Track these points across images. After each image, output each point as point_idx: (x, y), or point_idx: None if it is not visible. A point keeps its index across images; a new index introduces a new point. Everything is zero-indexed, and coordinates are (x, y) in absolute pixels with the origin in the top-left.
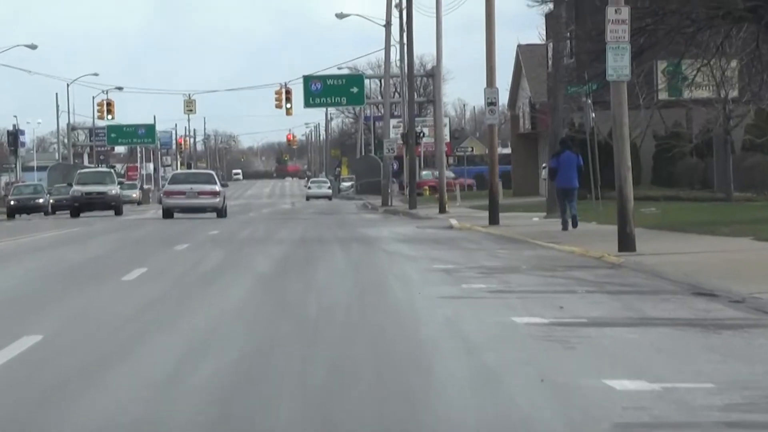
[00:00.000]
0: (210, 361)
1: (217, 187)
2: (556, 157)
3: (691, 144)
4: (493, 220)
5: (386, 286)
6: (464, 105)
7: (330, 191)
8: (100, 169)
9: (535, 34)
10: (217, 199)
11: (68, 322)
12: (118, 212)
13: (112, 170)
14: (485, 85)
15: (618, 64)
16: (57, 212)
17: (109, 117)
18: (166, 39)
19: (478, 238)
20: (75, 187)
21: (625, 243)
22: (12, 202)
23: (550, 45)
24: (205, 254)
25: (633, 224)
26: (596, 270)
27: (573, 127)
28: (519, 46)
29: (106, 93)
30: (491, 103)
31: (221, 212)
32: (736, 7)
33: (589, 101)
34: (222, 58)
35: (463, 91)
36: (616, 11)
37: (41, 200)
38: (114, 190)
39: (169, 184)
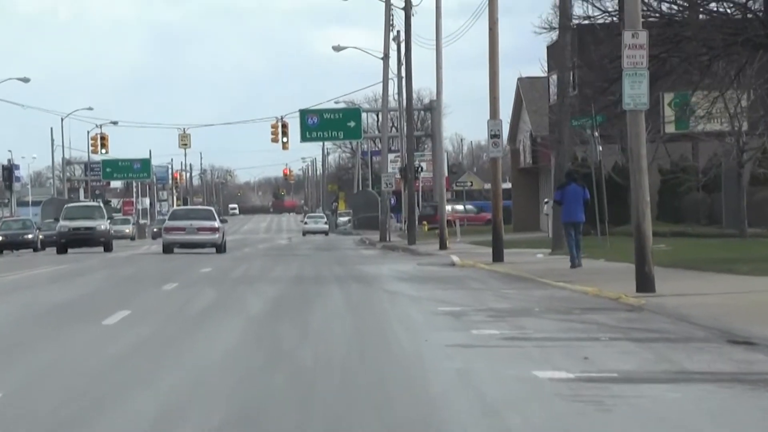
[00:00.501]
0: (187, 429)
1: (216, 223)
2: (561, 189)
3: (705, 178)
4: (497, 256)
5: (389, 331)
6: (461, 140)
7: (326, 226)
8: (88, 203)
9: (533, 70)
10: (217, 235)
11: (33, 377)
12: (108, 248)
13: (101, 204)
14: (488, 117)
15: (635, 92)
16: (47, 248)
17: (103, 151)
18: (162, 74)
19: (483, 276)
20: (62, 223)
21: (644, 283)
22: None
23: (553, 77)
24: (194, 294)
25: (652, 263)
26: (615, 313)
27: (576, 160)
28: (519, 79)
29: (100, 127)
30: (495, 136)
31: (220, 248)
32: (756, 33)
33: (596, 134)
34: (218, 92)
35: (460, 126)
36: (633, 35)
37: (30, 236)
38: (103, 225)
39: (168, 220)
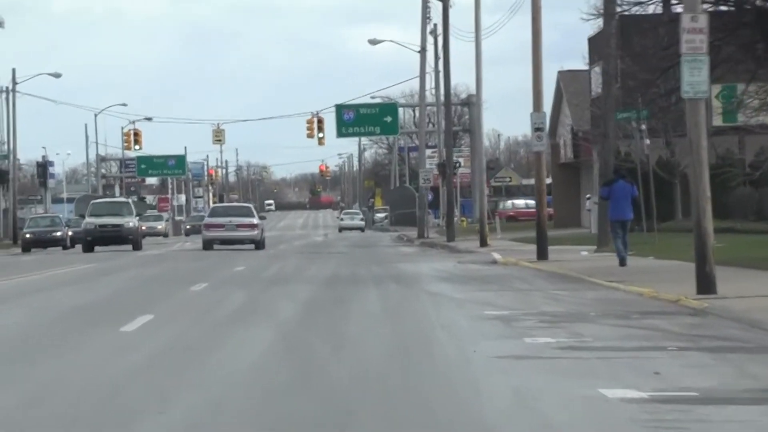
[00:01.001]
0: None
1: (255, 220)
2: (609, 186)
3: (758, 172)
4: (542, 254)
5: (433, 340)
6: (498, 135)
7: (363, 223)
8: (116, 199)
9: (572, 64)
10: (255, 232)
11: (30, 396)
12: (136, 246)
13: (129, 200)
14: (530, 111)
15: (695, 79)
16: (78, 246)
17: (137, 147)
18: (196, 70)
19: (528, 275)
20: (88, 220)
21: (705, 284)
22: (27, 236)
23: (595, 69)
24: (223, 297)
25: (713, 263)
26: (678, 318)
27: (619, 155)
28: (560, 72)
29: (134, 123)
30: (538, 129)
31: (259, 244)
32: None
33: (643, 127)
34: (252, 89)
35: (496, 122)
36: (692, 19)
37: (59, 233)
38: (131, 222)
39: (208, 217)
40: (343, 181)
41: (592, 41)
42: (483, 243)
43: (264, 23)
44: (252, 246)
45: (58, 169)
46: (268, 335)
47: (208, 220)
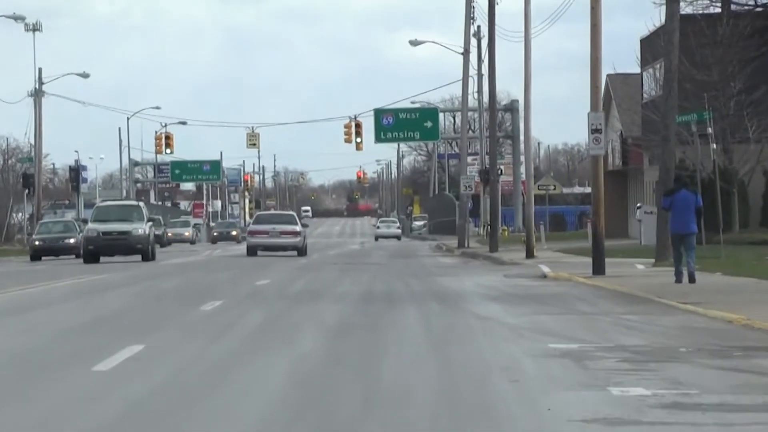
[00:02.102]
0: None
1: (298, 227)
2: (670, 195)
3: None
4: (598, 269)
5: (492, 391)
6: (538, 144)
7: (399, 231)
8: (124, 202)
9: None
10: (298, 239)
11: None
12: (147, 257)
13: (140, 203)
14: (588, 110)
15: None
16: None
17: (168, 151)
18: (234, 77)
19: (587, 294)
20: (90, 226)
21: None
22: (37, 243)
23: (648, 72)
24: (237, 319)
25: None
26: None
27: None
28: (609, 75)
29: (165, 126)
30: (596, 130)
31: (301, 251)
32: None
33: (710, 130)
34: (291, 96)
35: (535, 130)
36: None
37: (72, 240)
38: (141, 228)
39: (253, 224)
40: (381, 188)
41: (645, 42)
42: (529, 254)
43: (303, 28)
44: (294, 252)
45: (92, 174)
46: (281, 379)
47: (252, 227)
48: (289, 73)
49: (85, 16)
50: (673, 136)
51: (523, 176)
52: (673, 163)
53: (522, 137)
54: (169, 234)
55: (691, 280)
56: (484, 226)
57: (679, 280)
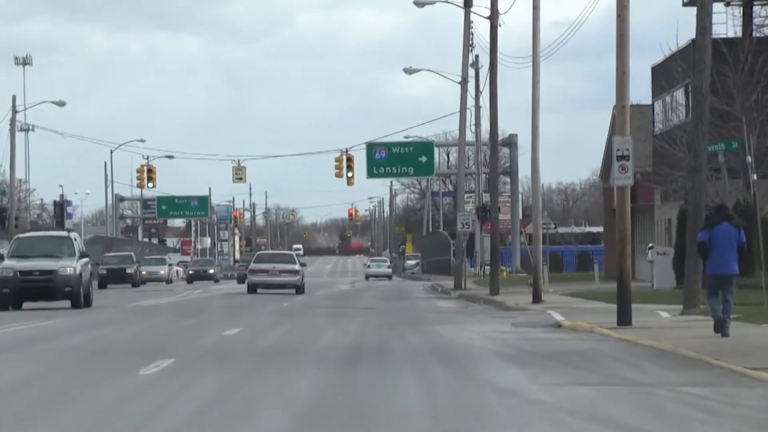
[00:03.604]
0: None
1: (297, 266)
2: (710, 229)
3: None
4: (624, 318)
5: None
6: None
7: (390, 270)
8: (52, 233)
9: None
10: (297, 277)
11: None
12: (78, 303)
13: (70, 235)
14: (615, 133)
15: None
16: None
17: (150, 185)
18: (227, 114)
19: (622, 352)
20: (6, 263)
21: None
22: None
23: (658, 102)
24: (176, 393)
25: None
26: None
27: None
28: (615, 107)
29: (147, 159)
30: (622, 157)
31: (300, 289)
32: None
33: (750, 159)
34: (284, 132)
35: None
36: None
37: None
38: (70, 267)
39: (253, 262)
40: (373, 226)
41: (658, 70)
42: (536, 298)
43: (297, 66)
44: (293, 291)
45: (85, 210)
46: None
47: (253, 265)
48: (282, 111)
49: (81, 53)
50: (704, 166)
51: (520, 214)
52: (704, 198)
53: (530, 169)
54: (143, 272)
55: (724, 332)
56: (481, 266)
57: (721, 330)
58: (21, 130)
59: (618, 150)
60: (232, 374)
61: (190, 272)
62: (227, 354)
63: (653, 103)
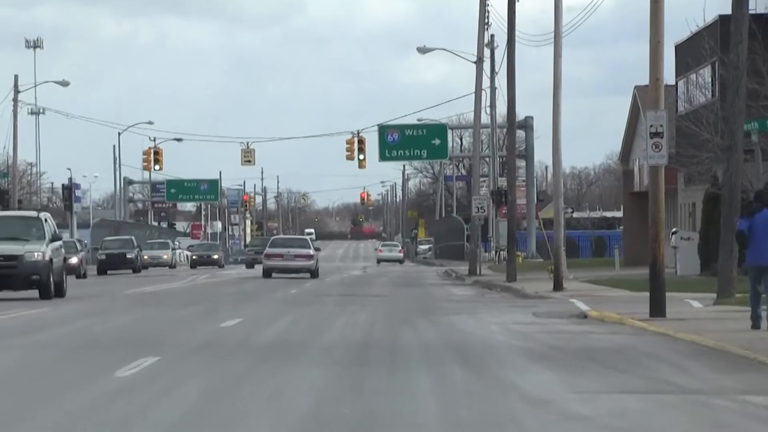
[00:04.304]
0: None
1: (311, 251)
2: (749, 217)
3: None
4: (657, 309)
5: None
6: (545, 167)
7: (401, 255)
8: (19, 213)
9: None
10: (311, 262)
11: None
12: (47, 293)
13: (40, 215)
14: (648, 109)
15: None
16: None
17: (156, 168)
18: (239, 100)
19: (662, 349)
20: None
21: None
22: None
23: (682, 81)
24: (154, 400)
25: None
26: None
27: (716, 180)
28: (637, 87)
29: (154, 140)
30: (656, 134)
31: (314, 273)
32: None
33: None
34: (295, 119)
35: (542, 153)
36: None
37: (74, 260)
38: (38, 252)
39: (269, 247)
40: (385, 211)
41: (682, 48)
42: (558, 286)
43: (309, 52)
44: (308, 275)
45: (95, 194)
46: None
47: (269, 250)
48: (294, 97)
49: (92, 38)
50: (741, 145)
51: (537, 199)
52: (740, 180)
53: (544, 153)
54: (145, 257)
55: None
56: (496, 251)
57: (756, 325)
58: (31, 113)
59: (651, 126)
60: (221, 376)
61: (194, 257)
62: (220, 350)
63: (676, 83)
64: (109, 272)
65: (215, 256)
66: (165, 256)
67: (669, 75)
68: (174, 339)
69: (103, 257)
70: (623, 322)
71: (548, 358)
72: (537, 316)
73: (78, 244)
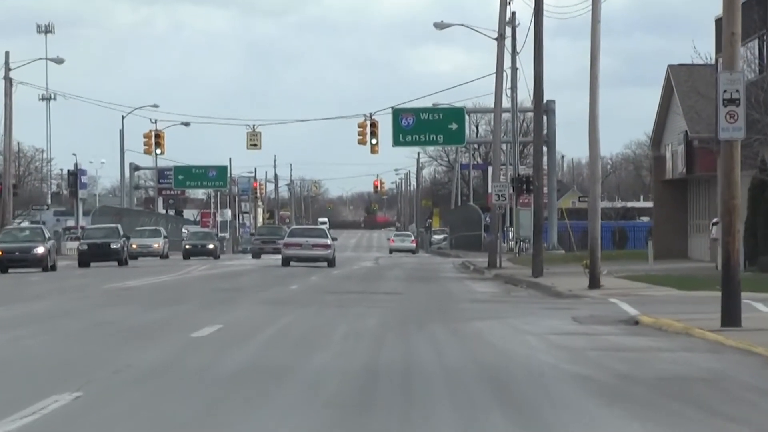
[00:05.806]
0: None
1: (329, 241)
2: None
3: None
4: (731, 317)
5: None
6: (562, 156)
7: (413, 245)
8: None
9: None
10: (328, 251)
11: None
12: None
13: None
14: (720, 69)
15: None
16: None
17: (158, 152)
18: (252, 88)
19: (763, 376)
20: None
21: None
22: None
23: (722, 58)
24: None
25: None
26: None
27: (765, 165)
28: (671, 66)
29: (155, 123)
30: (731, 101)
31: (331, 262)
32: None
33: None
34: (309, 107)
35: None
36: None
37: (39, 250)
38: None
39: (288, 237)
40: (399, 200)
41: (720, 23)
42: (594, 283)
43: (324, 41)
44: (325, 264)
45: (105, 181)
46: None
47: (287, 239)
48: (308, 86)
49: (106, 25)
50: None
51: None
52: None
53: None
54: (134, 246)
55: None
56: (516, 242)
57: None
58: (42, 99)
59: (725, 92)
60: (158, 428)
61: (187, 246)
62: (171, 381)
63: (717, 60)
64: (92, 264)
65: (210, 246)
66: (156, 245)
67: (709, 50)
68: (116, 360)
69: (85, 248)
70: (690, 332)
71: (622, 396)
72: (578, 323)
73: (46, 231)
